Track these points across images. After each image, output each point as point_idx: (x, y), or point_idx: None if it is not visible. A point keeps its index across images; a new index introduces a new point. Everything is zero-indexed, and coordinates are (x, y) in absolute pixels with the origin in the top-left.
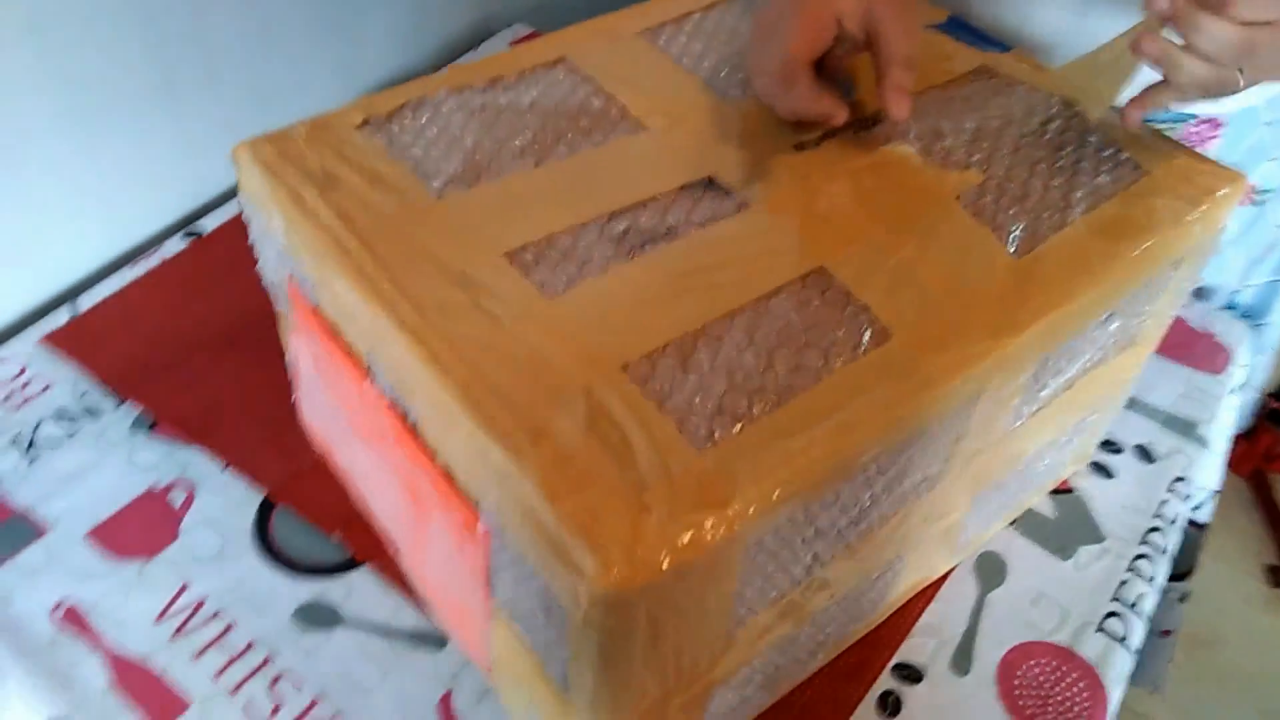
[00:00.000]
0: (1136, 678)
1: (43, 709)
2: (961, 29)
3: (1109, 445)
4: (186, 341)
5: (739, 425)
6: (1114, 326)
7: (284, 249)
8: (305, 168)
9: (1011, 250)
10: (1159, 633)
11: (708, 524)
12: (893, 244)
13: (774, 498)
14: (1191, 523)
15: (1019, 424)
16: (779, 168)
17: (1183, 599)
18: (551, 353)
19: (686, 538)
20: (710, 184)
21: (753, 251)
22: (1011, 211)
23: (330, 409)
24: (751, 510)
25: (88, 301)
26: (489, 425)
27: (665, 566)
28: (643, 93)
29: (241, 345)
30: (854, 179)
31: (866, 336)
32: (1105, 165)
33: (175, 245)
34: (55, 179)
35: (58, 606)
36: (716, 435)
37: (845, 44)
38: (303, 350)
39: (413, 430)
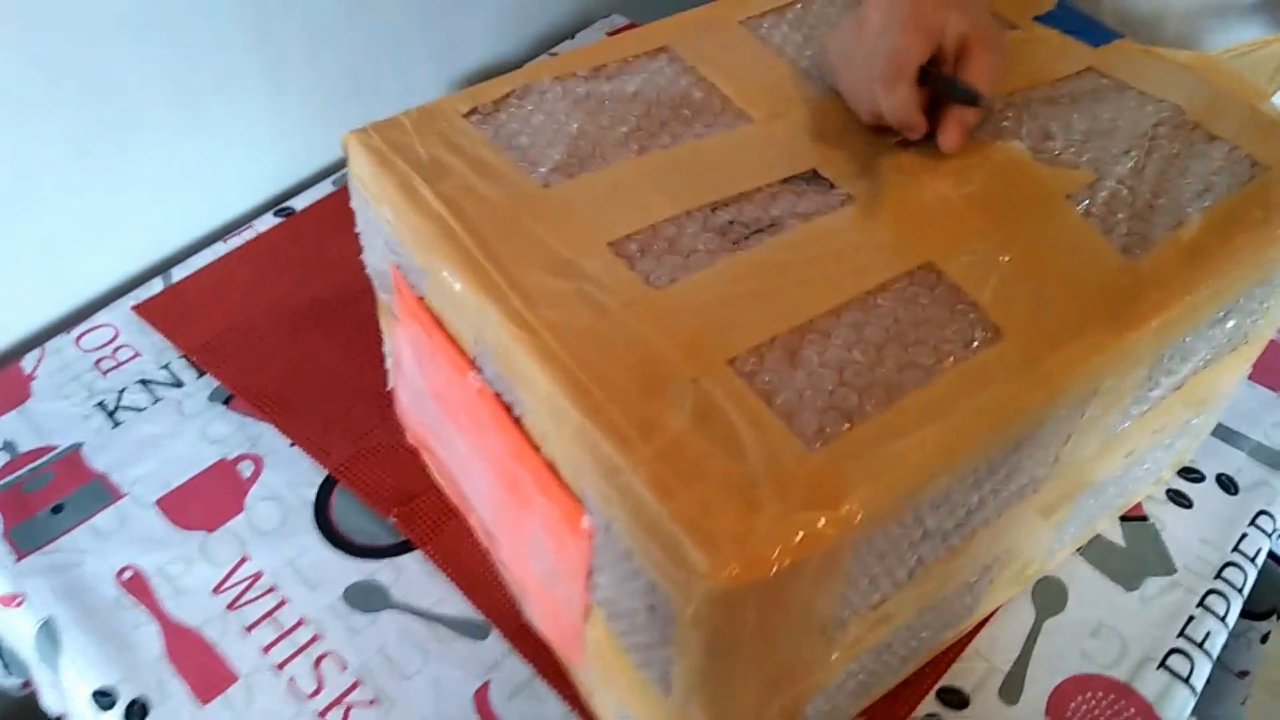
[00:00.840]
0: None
1: (93, 676)
2: (1068, 14)
3: (1189, 473)
4: (269, 318)
5: (849, 423)
6: (1230, 325)
7: (391, 237)
8: (414, 156)
9: (1123, 249)
10: (1235, 673)
11: (820, 523)
12: (1002, 242)
13: (886, 498)
14: (1274, 557)
15: (1126, 424)
16: (883, 162)
17: (1264, 639)
18: (658, 345)
19: (799, 536)
20: (814, 177)
21: (858, 246)
22: (1122, 213)
23: (430, 400)
24: (864, 510)
25: (180, 273)
26: (597, 418)
27: (778, 565)
28: (745, 83)
29: (323, 325)
30: (960, 175)
31: (978, 334)
32: (1220, 163)
33: (267, 222)
34: (158, 155)
35: (123, 570)
36: (827, 431)
37: (938, 61)
38: (404, 340)
39: (517, 422)
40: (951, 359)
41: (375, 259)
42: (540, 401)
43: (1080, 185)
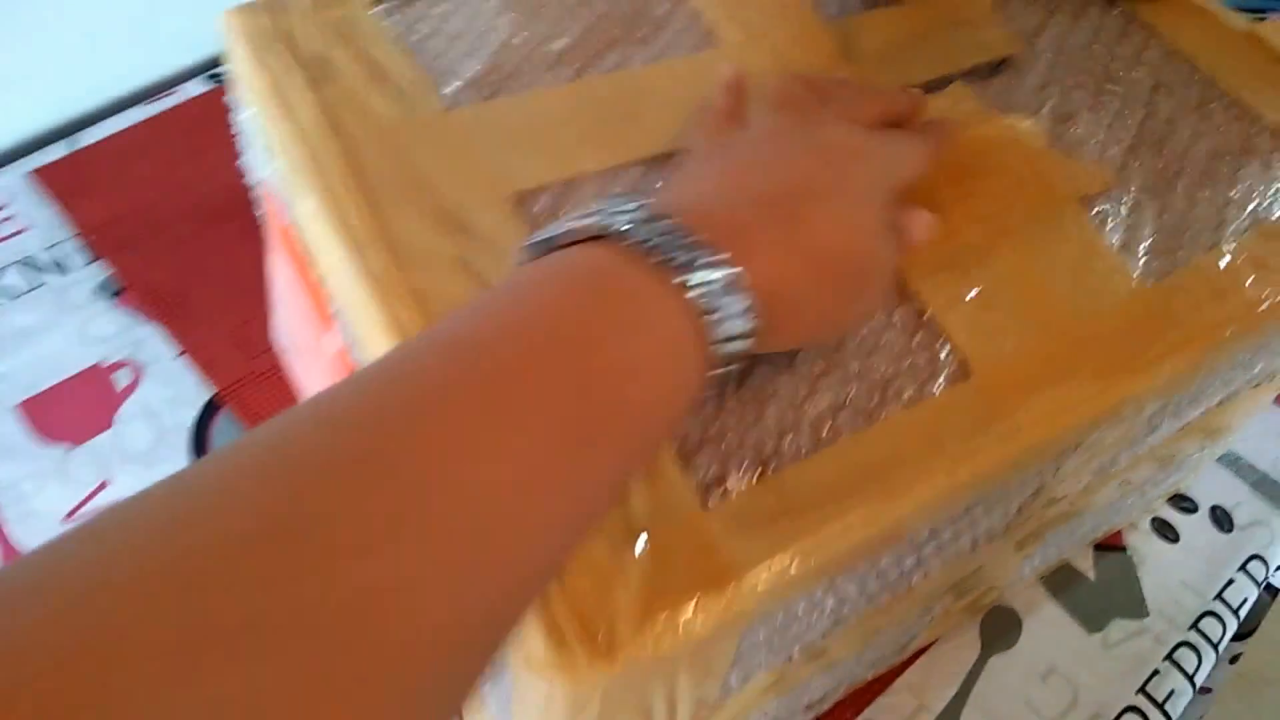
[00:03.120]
0: None
1: None
2: None
3: (1181, 500)
4: (180, 202)
5: (759, 470)
6: (1258, 368)
7: (263, 148)
8: (299, 50)
9: (1140, 271)
10: (1199, 689)
11: (700, 607)
12: (988, 248)
13: (793, 577)
14: (1268, 586)
15: (1114, 468)
16: None
17: (1234, 660)
18: None
19: (670, 622)
20: None
21: None
22: (1147, 227)
23: (300, 345)
24: (761, 592)
25: (87, 139)
26: None
27: (640, 656)
28: None
29: (239, 217)
30: (954, 161)
31: (941, 369)
32: (1276, 178)
33: (195, 88)
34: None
35: None
36: (729, 485)
37: None
38: (277, 268)
39: None
40: (903, 399)
41: (252, 167)
42: None
43: (1100, 186)
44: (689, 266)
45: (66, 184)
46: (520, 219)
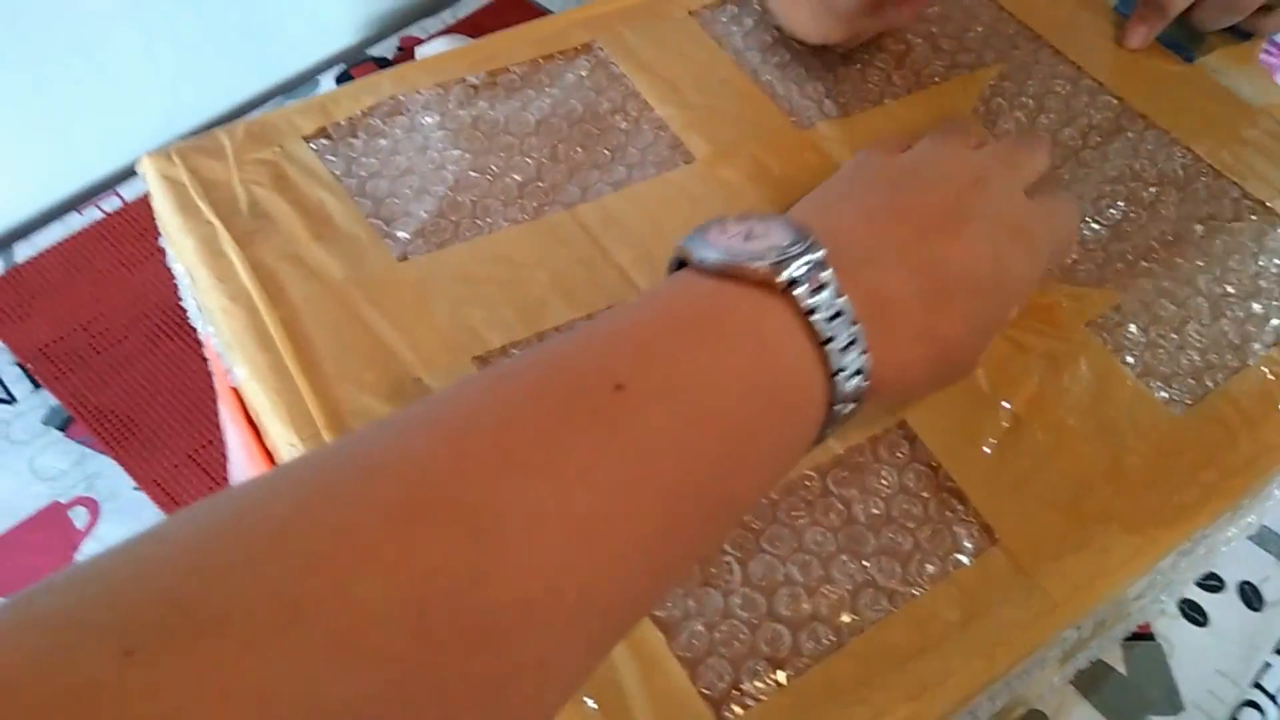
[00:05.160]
0: None
1: None
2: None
3: (1207, 579)
4: (127, 316)
5: (775, 676)
6: None
7: (198, 306)
8: (229, 199)
9: (1165, 399)
10: None
11: None
12: (996, 396)
13: None
14: None
15: (1153, 588)
16: None
17: None
18: None
19: None
20: None
21: None
22: (1165, 347)
23: None
24: None
25: (24, 252)
26: None
27: None
28: (689, 103)
29: (188, 331)
30: None
31: (964, 538)
32: None
33: (138, 187)
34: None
35: None
36: (747, 689)
37: None
38: (230, 423)
39: None
40: (927, 576)
41: (191, 315)
42: None
43: (1106, 307)
44: (832, 340)
45: (1, 305)
46: None
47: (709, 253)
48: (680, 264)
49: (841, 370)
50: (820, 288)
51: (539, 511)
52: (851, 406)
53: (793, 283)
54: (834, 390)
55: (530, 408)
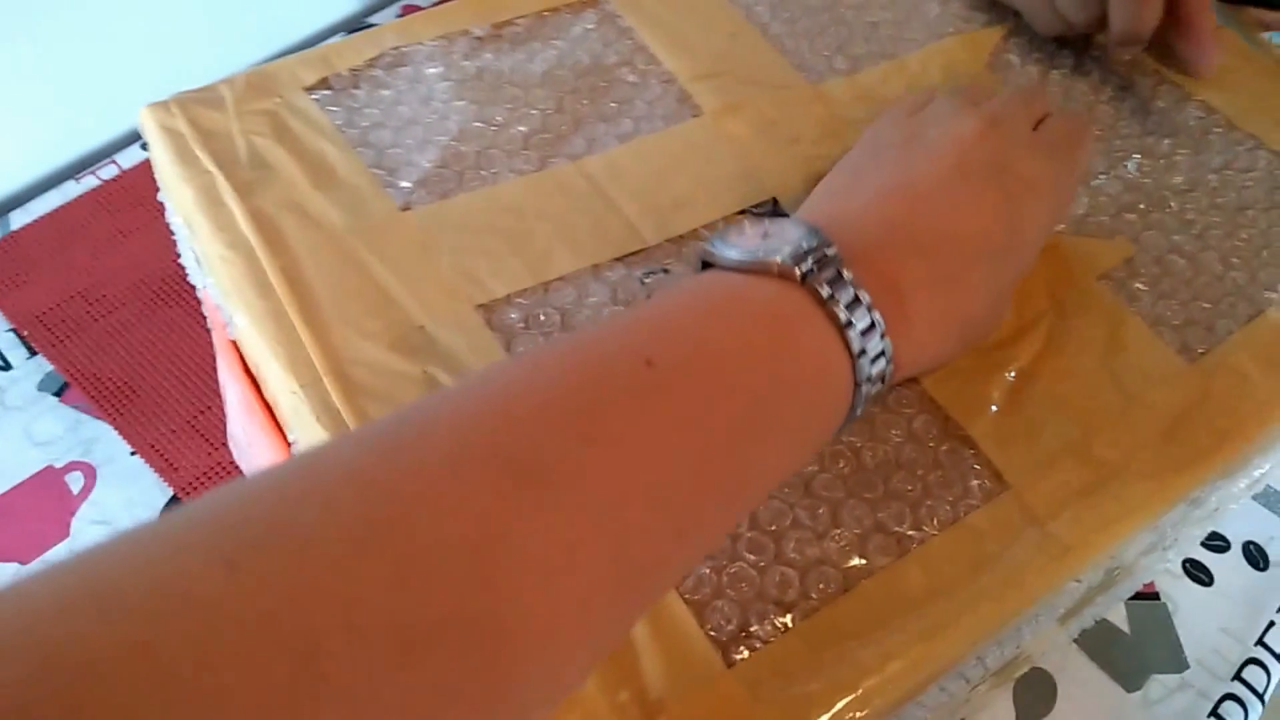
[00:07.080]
0: None
1: None
2: None
3: (1211, 537)
4: (125, 283)
5: (784, 622)
6: None
7: (194, 261)
8: (229, 149)
9: (1178, 347)
10: None
11: None
12: (1011, 346)
13: None
14: None
15: (1162, 542)
16: None
17: None
18: None
19: None
20: (775, 209)
21: None
22: (1177, 298)
23: (259, 461)
24: None
25: (20, 219)
26: None
27: None
28: (696, 56)
29: (186, 298)
30: None
31: (973, 483)
32: None
33: (135, 155)
34: None
35: None
36: (755, 631)
37: None
38: (228, 379)
39: None
40: (936, 521)
41: (190, 272)
42: None
43: (1118, 260)
44: (851, 325)
45: None
46: (491, 331)
47: (731, 252)
48: (704, 267)
49: (864, 353)
50: (836, 277)
51: (579, 465)
52: (880, 386)
53: (810, 273)
54: (858, 371)
55: (568, 380)
